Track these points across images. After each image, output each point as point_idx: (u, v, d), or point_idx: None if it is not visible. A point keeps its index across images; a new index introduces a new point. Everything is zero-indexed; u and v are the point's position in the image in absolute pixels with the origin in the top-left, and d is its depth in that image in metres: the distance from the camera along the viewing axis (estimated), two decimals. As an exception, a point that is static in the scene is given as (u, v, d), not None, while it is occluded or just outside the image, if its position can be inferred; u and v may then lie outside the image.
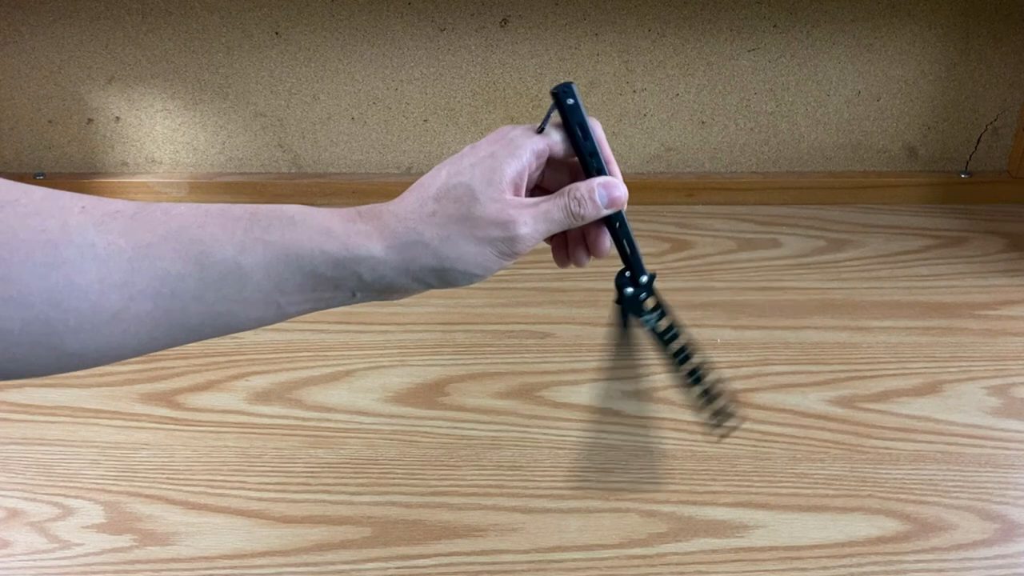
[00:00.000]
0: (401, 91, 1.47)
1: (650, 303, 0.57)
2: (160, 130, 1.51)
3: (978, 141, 1.51)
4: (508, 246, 0.51)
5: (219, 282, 0.48)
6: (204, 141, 1.52)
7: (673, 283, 1.29)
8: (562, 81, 0.54)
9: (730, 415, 0.60)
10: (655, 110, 1.47)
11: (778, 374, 1.12)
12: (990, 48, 1.43)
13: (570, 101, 0.53)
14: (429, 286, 0.52)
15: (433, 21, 1.41)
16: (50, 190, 0.48)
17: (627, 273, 0.57)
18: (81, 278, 0.45)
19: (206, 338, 0.50)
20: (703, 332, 1.19)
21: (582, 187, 0.53)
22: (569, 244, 0.58)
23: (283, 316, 0.51)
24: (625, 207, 0.55)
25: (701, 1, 1.39)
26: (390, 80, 1.46)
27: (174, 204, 0.49)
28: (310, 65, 1.45)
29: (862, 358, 1.15)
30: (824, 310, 1.24)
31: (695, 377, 0.58)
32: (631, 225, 0.55)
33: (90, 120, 1.49)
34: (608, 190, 0.53)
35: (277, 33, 1.42)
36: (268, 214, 0.49)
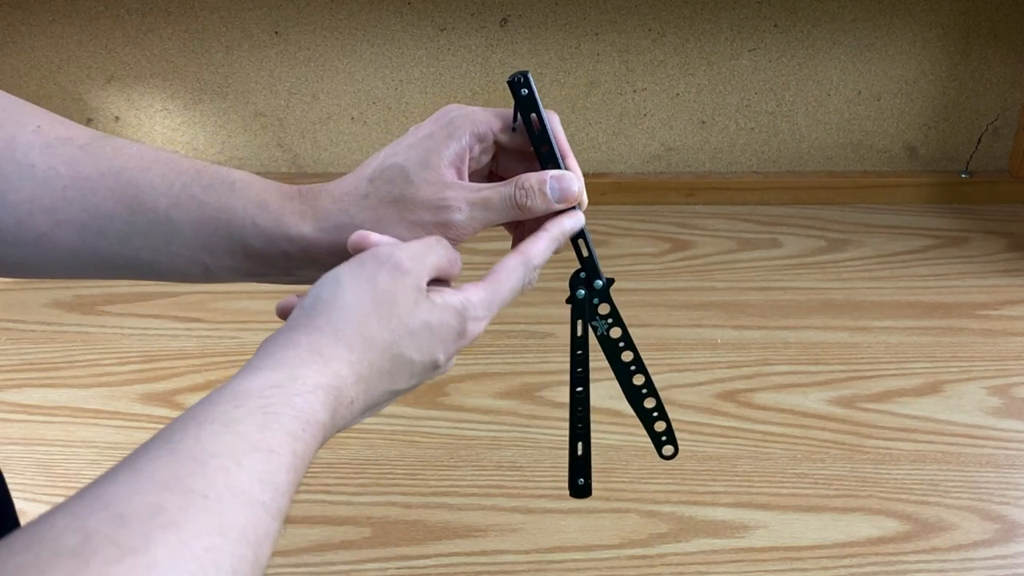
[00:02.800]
0: (401, 91, 1.47)
1: (603, 309, 0.54)
2: (160, 130, 1.51)
3: (978, 141, 1.51)
4: (442, 231, 0.48)
5: (146, 229, 0.48)
6: (204, 141, 1.51)
7: (673, 283, 1.29)
8: (520, 70, 0.51)
9: (671, 439, 0.58)
10: (655, 110, 1.47)
11: (778, 374, 1.12)
12: (990, 48, 1.43)
13: (524, 91, 0.50)
14: None
15: (433, 21, 1.41)
16: (14, 101, 0.48)
17: (582, 274, 0.53)
18: (13, 195, 0.46)
19: (133, 279, 0.50)
20: (703, 332, 1.19)
21: (532, 178, 0.49)
22: (525, 235, 0.53)
23: (212, 278, 0.50)
24: (583, 204, 0.51)
25: (701, 1, 1.39)
26: (390, 80, 1.46)
27: (130, 142, 0.49)
28: (310, 65, 1.45)
29: (862, 358, 1.15)
30: (824, 310, 1.24)
31: (640, 394, 0.56)
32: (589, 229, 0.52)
33: (89, 120, 1.49)
34: (561, 184, 0.49)
35: (277, 33, 1.42)
36: (212, 174, 0.49)
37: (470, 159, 0.50)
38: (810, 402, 1.07)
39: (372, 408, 0.45)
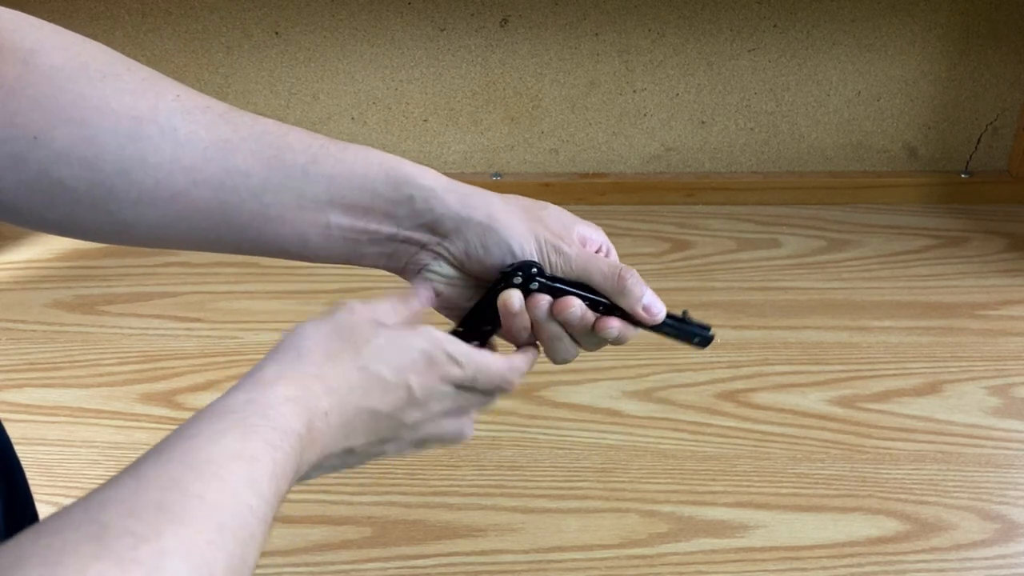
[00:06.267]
0: (401, 91, 1.47)
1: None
2: (160, 130, 1.51)
3: (978, 141, 1.51)
4: (549, 248, 0.52)
5: (279, 186, 0.50)
6: (204, 141, 1.51)
7: (673, 283, 1.29)
8: (711, 333, 0.59)
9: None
10: (655, 110, 1.47)
11: (778, 374, 1.12)
12: (990, 48, 1.43)
13: (698, 341, 0.59)
14: (459, 244, 0.51)
15: (433, 21, 1.41)
16: (153, 73, 0.52)
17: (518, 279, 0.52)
18: (155, 157, 0.48)
19: (245, 244, 0.51)
20: (703, 332, 1.19)
21: (638, 276, 0.54)
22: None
23: (326, 237, 0.51)
24: (655, 322, 0.55)
25: (701, 1, 1.39)
26: (390, 80, 1.46)
27: (262, 117, 0.52)
28: (310, 65, 1.45)
29: (862, 358, 1.15)
30: (824, 310, 1.24)
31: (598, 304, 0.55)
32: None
33: (90, 120, 1.49)
34: (654, 303, 0.54)
35: (277, 33, 1.42)
36: (346, 142, 0.52)
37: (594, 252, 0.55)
38: (810, 402, 1.07)
39: (352, 429, 0.46)
